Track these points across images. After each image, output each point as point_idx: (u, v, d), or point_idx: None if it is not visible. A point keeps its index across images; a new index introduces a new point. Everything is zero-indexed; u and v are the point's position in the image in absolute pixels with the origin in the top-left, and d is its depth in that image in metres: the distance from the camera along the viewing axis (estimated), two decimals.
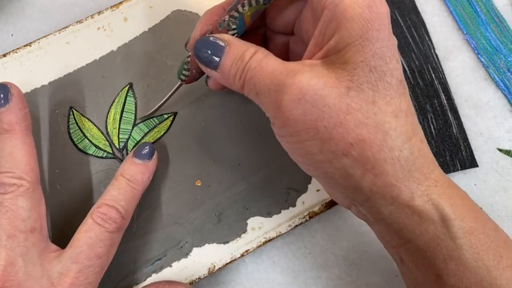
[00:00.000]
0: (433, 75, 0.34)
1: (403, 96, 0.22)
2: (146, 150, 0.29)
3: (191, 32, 0.32)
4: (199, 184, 0.31)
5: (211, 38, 0.24)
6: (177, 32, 0.33)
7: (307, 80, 0.21)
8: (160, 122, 0.32)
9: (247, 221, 0.30)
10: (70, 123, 0.32)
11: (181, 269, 0.30)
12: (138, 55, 0.33)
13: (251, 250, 0.30)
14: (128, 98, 0.32)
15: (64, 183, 0.31)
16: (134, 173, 0.28)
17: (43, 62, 0.33)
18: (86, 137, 0.31)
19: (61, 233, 0.30)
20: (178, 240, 0.30)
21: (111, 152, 0.31)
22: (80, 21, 0.33)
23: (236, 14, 0.24)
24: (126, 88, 0.32)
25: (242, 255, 0.30)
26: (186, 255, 0.30)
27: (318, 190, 0.31)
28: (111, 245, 0.26)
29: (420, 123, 0.33)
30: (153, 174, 0.29)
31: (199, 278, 0.29)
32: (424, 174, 0.22)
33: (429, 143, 0.33)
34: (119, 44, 0.33)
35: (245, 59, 0.23)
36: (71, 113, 0.32)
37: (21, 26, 0.35)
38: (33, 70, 0.32)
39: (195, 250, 0.30)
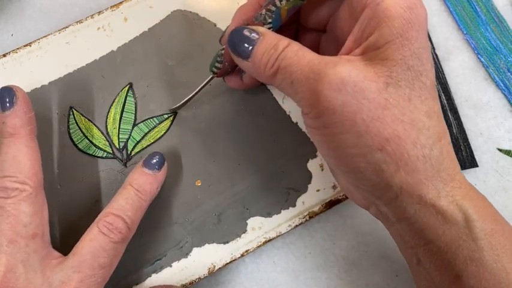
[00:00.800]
0: None
1: (435, 98, 0.22)
2: (156, 159, 0.28)
3: (191, 32, 0.32)
4: (199, 184, 0.31)
5: (245, 30, 0.24)
6: (177, 32, 0.33)
7: (348, 72, 0.21)
8: (161, 122, 0.32)
9: (247, 221, 0.30)
10: (70, 123, 0.32)
11: (181, 269, 0.30)
12: (138, 55, 0.33)
13: (251, 250, 0.30)
14: (128, 98, 0.32)
15: (64, 183, 0.31)
16: (143, 183, 0.28)
17: (43, 62, 0.33)
18: (86, 137, 0.31)
19: (61, 234, 0.30)
20: (178, 240, 0.30)
21: (111, 152, 0.31)
22: (80, 21, 0.33)
23: (273, 8, 0.25)
24: (126, 88, 0.32)
25: (242, 255, 0.30)
26: (186, 255, 0.30)
27: (317, 190, 0.31)
28: (114, 255, 0.26)
29: None
30: (161, 185, 0.29)
31: (199, 278, 0.29)
32: (450, 175, 0.22)
33: None
34: (119, 44, 0.33)
35: (279, 48, 0.23)
36: (71, 113, 0.32)
37: (21, 26, 0.35)
38: (33, 70, 0.32)
39: (195, 250, 0.30)
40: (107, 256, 0.25)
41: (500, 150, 0.33)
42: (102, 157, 0.31)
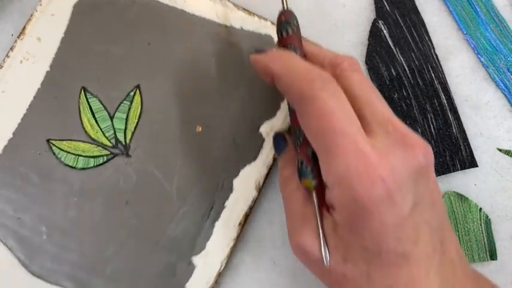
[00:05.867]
0: (433, 75, 0.34)
1: (404, 267, 0.22)
2: None
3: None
4: (200, 130, 0.32)
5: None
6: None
7: (310, 242, 0.24)
8: (131, 102, 0.32)
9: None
10: (56, 153, 0.31)
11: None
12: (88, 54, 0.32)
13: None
14: (89, 99, 0.32)
15: (81, 199, 0.31)
16: None
17: None
18: (78, 155, 0.31)
19: (97, 238, 0.30)
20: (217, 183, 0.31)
21: (109, 152, 0.31)
22: None
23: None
24: (82, 93, 0.32)
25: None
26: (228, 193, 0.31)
27: None
28: None
29: (420, 123, 0.33)
30: None
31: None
32: None
33: (429, 143, 0.33)
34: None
35: None
36: (50, 146, 0.31)
37: (21, 26, 0.35)
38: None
39: (236, 182, 0.31)
40: None
41: (500, 150, 0.33)
42: (103, 163, 0.31)
